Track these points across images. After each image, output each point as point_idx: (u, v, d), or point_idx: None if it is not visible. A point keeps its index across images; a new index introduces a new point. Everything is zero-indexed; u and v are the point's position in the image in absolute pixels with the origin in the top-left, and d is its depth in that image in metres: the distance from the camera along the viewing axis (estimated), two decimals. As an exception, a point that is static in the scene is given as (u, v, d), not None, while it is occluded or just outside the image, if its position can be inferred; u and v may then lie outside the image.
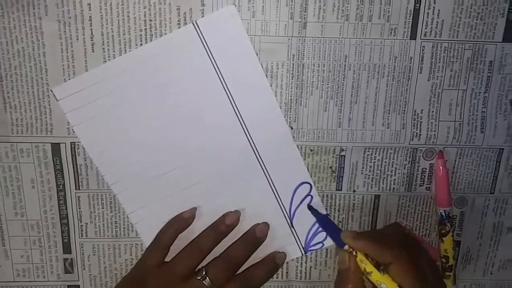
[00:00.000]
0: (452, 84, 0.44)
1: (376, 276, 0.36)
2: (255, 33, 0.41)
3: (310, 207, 0.44)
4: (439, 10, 0.42)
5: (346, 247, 0.37)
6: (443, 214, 0.45)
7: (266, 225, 0.44)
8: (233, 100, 0.42)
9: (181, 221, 0.43)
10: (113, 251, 0.46)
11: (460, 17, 0.42)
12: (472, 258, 0.48)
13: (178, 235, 0.42)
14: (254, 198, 0.44)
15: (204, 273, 0.40)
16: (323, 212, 0.45)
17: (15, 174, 0.43)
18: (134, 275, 0.42)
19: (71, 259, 0.45)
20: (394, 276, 0.35)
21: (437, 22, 0.42)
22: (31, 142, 0.42)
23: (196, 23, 0.40)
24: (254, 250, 0.43)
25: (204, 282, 0.40)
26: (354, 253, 0.37)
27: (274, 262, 0.44)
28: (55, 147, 0.43)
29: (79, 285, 0.46)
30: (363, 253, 0.37)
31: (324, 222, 0.43)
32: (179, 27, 0.40)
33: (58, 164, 0.43)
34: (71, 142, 0.42)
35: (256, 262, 0.43)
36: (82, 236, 0.45)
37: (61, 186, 0.44)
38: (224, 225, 0.42)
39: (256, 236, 0.43)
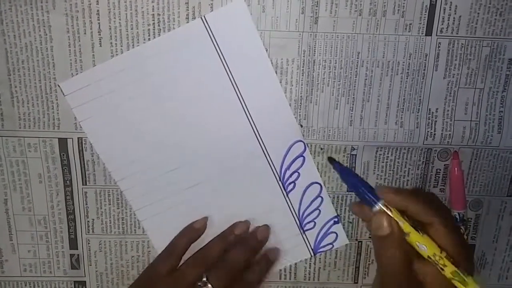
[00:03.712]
0: (468, 83, 0.42)
1: (415, 237, 0.34)
2: (265, 28, 0.40)
3: (331, 159, 0.41)
4: (456, 6, 0.40)
5: (380, 206, 0.34)
6: (458, 216, 0.43)
7: (267, 228, 0.43)
8: (241, 96, 0.41)
9: (193, 232, 0.43)
10: (119, 247, 0.45)
11: (478, 13, 0.40)
12: (487, 262, 0.47)
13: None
14: (263, 198, 0.43)
15: (205, 278, 0.39)
16: (333, 212, 0.44)
17: (23, 168, 0.43)
18: (143, 282, 0.42)
19: (78, 255, 0.45)
20: (435, 236, 0.34)
21: (454, 18, 0.41)
22: (39, 137, 0.42)
23: (205, 18, 0.39)
24: (255, 253, 0.42)
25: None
26: (389, 212, 0.34)
27: (268, 259, 0.43)
28: (62, 142, 0.42)
29: (85, 281, 0.46)
30: (400, 210, 0.34)
31: (348, 175, 0.40)
32: (187, 22, 0.40)
33: (65, 159, 0.43)
34: (78, 138, 0.42)
35: (251, 266, 0.42)
36: (88, 232, 0.45)
37: (68, 182, 0.43)
38: (233, 235, 0.42)
39: (257, 239, 0.43)
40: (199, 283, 0.39)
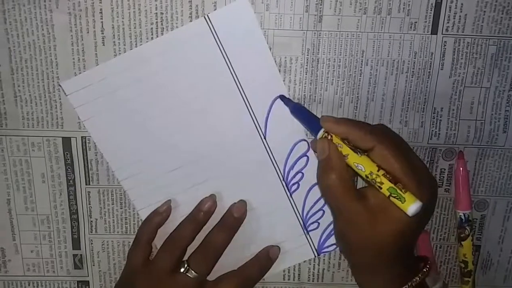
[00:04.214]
0: (474, 82, 0.42)
1: (353, 158, 0.34)
2: (269, 26, 0.40)
3: (282, 97, 0.41)
4: (462, 4, 0.40)
5: (320, 133, 0.36)
6: (463, 217, 0.43)
7: (243, 203, 0.42)
8: (245, 95, 0.41)
9: (157, 216, 0.42)
10: (122, 247, 0.45)
11: (485, 11, 0.40)
12: (492, 263, 0.47)
13: (158, 230, 0.41)
14: (266, 198, 0.43)
15: (186, 265, 0.39)
16: None
17: (26, 168, 0.43)
18: (122, 278, 0.42)
19: (81, 255, 0.45)
20: (377, 159, 0.34)
21: (459, 16, 0.40)
22: (42, 136, 0.42)
23: (208, 17, 0.39)
24: (234, 232, 0.41)
25: (188, 274, 0.39)
26: (330, 137, 0.35)
27: (268, 257, 0.43)
28: (66, 142, 0.42)
29: (88, 281, 0.46)
30: (342, 137, 0.35)
31: (298, 109, 0.40)
32: (190, 21, 0.40)
33: (68, 159, 0.43)
34: (81, 137, 0.42)
35: (251, 259, 0.43)
36: (91, 232, 0.45)
37: (71, 181, 0.43)
38: (201, 212, 0.41)
39: (233, 217, 0.41)
40: (181, 270, 0.39)
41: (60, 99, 0.41)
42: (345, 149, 0.34)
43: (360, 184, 0.42)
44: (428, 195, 0.34)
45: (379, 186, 0.33)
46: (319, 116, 0.37)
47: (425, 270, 0.35)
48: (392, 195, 0.32)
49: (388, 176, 0.33)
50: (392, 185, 0.32)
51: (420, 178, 0.33)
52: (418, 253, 0.44)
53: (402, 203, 0.32)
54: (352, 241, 0.35)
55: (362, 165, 0.34)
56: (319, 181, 0.36)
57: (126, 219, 0.44)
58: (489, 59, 0.41)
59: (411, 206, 0.32)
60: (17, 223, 0.44)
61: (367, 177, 0.34)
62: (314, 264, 0.46)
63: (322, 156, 0.35)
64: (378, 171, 0.33)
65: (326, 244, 0.45)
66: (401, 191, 0.32)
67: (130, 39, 0.40)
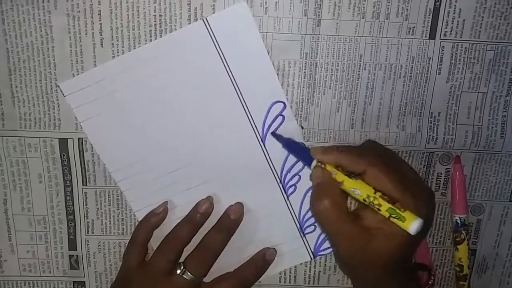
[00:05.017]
0: (472, 87, 0.42)
1: (348, 183, 0.34)
2: (267, 30, 0.40)
3: (273, 134, 0.41)
4: (460, 9, 0.40)
5: (314, 163, 0.36)
6: (459, 221, 0.43)
7: (239, 205, 0.42)
8: (243, 99, 0.41)
9: (153, 217, 0.42)
10: (118, 249, 0.45)
11: (483, 17, 0.40)
12: (488, 267, 0.47)
13: (154, 231, 0.42)
14: (263, 200, 0.43)
15: (182, 267, 0.39)
16: None
17: (23, 168, 0.43)
18: (118, 279, 0.42)
19: (77, 255, 0.45)
20: (371, 182, 0.34)
21: (457, 21, 0.40)
22: (39, 137, 0.42)
23: (206, 20, 0.39)
24: (230, 234, 0.41)
25: (184, 276, 0.39)
26: (323, 166, 0.36)
27: (264, 259, 0.43)
28: (63, 143, 0.42)
29: (84, 282, 0.46)
30: (334, 165, 0.35)
31: (290, 144, 0.40)
32: (189, 23, 0.40)
33: (65, 160, 0.43)
34: (78, 138, 0.42)
35: (247, 261, 0.43)
36: (88, 233, 0.45)
37: (68, 182, 0.43)
38: (198, 214, 0.41)
39: (230, 219, 0.41)
40: (177, 271, 0.39)
41: (57, 100, 0.41)
42: (340, 176, 0.35)
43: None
44: (426, 208, 0.34)
45: (377, 208, 0.33)
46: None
47: (430, 282, 0.36)
48: (392, 215, 0.32)
49: (385, 197, 0.33)
50: (391, 205, 0.33)
51: (416, 193, 0.34)
52: (416, 258, 0.44)
53: (403, 222, 0.32)
54: (352, 260, 0.35)
55: (358, 189, 0.34)
56: (312, 207, 0.35)
57: (122, 220, 0.44)
58: (487, 64, 0.41)
59: (412, 225, 0.32)
60: (13, 223, 0.44)
61: (365, 200, 0.34)
62: (310, 267, 0.46)
63: (317, 180, 0.36)
64: (375, 193, 0.33)
65: (322, 247, 0.45)
66: (400, 210, 0.32)
67: (128, 41, 0.40)
